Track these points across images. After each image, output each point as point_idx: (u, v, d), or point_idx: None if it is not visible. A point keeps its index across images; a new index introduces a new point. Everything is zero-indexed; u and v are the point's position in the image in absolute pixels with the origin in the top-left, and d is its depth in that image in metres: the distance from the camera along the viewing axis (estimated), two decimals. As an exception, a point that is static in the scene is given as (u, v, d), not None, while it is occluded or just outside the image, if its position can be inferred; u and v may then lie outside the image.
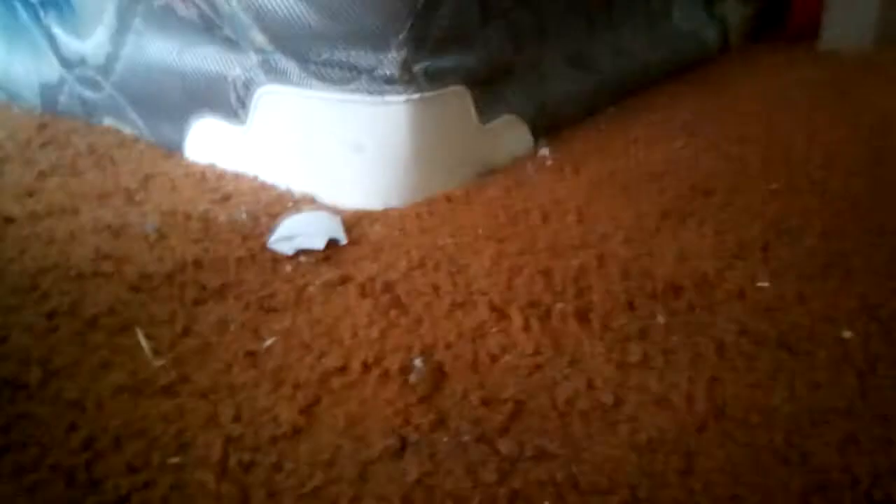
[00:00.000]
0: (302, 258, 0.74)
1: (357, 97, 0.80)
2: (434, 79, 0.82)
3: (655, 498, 0.47)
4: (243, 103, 0.90)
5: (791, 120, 1.09)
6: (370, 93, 0.80)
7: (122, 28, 0.99)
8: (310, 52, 0.81)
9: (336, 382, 0.57)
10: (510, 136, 0.97)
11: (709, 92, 1.24)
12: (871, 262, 0.72)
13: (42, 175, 0.94)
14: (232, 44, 0.88)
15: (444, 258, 0.73)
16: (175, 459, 0.50)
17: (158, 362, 0.59)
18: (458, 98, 0.86)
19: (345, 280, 0.70)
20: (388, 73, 0.79)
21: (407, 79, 0.80)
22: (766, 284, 0.69)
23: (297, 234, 0.75)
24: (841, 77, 1.32)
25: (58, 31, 1.10)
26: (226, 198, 0.86)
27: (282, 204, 0.85)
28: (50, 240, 0.78)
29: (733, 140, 1.02)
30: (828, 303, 0.66)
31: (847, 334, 0.62)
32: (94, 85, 1.09)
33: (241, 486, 0.48)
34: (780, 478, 0.49)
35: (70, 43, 1.09)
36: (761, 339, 0.62)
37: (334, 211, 0.82)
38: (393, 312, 0.65)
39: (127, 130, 1.07)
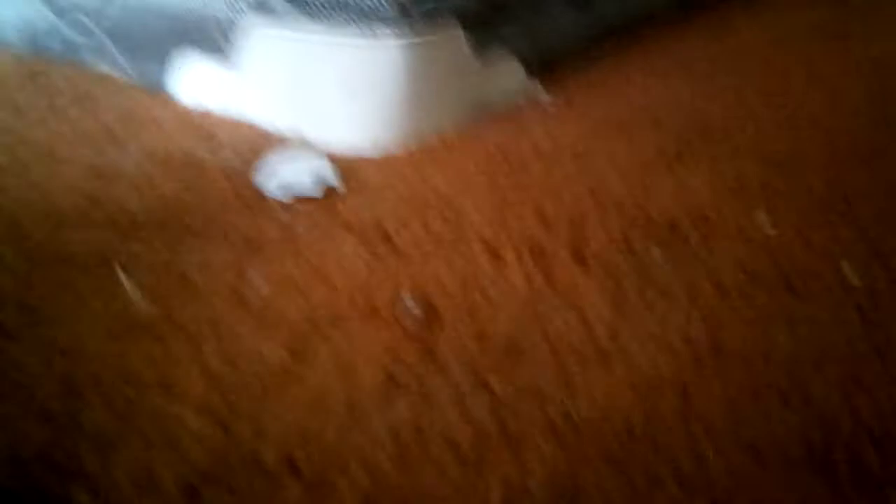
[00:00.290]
0: (291, 199, 0.71)
1: (348, 34, 0.77)
2: (428, 17, 0.79)
3: (651, 434, 0.46)
4: (229, 40, 0.87)
5: (792, 59, 1.07)
6: (362, 29, 0.77)
7: (101, -37, 0.96)
8: (296, -15, 0.78)
9: (325, 322, 0.55)
10: (506, 75, 0.94)
11: (709, 32, 1.21)
12: (872, 198, 0.70)
13: (23, 114, 0.91)
14: (215, -23, 0.85)
15: (437, 198, 0.71)
16: (158, 399, 0.49)
17: (141, 303, 0.58)
18: (453, 36, 0.84)
19: (334, 219, 0.68)
20: (381, 10, 0.76)
21: (400, 15, 0.77)
22: (764, 220, 0.67)
23: (285, 173, 0.73)
24: (844, 18, 1.29)
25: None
26: (211, 137, 0.84)
27: (269, 143, 0.82)
28: (31, 180, 0.75)
29: (732, 79, 0.99)
30: (828, 238, 0.64)
31: (848, 270, 0.61)
32: (78, 25, 1.05)
33: (225, 425, 0.47)
34: (780, 414, 0.47)
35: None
36: (760, 275, 0.60)
37: (324, 150, 0.80)
38: (383, 251, 0.63)
39: (110, 70, 1.04)
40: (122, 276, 0.60)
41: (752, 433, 0.46)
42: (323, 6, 0.77)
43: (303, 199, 0.71)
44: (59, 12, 1.07)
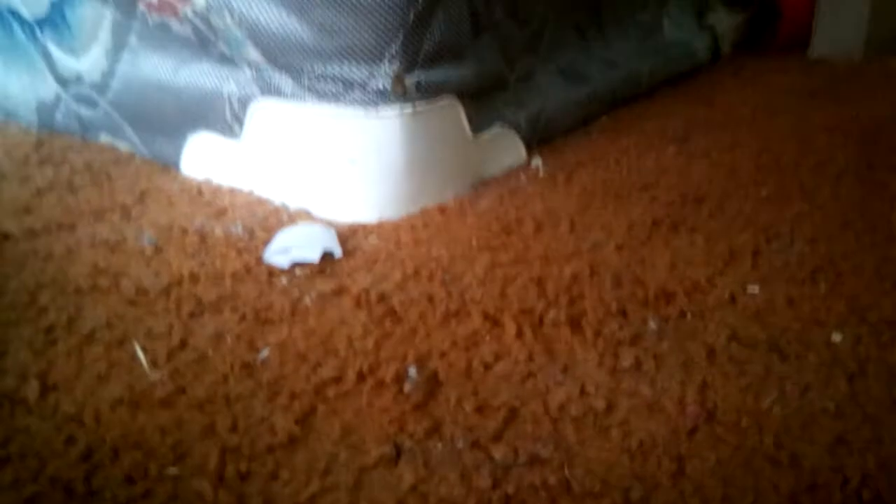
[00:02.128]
0: (297, 271, 0.74)
1: (351, 111, 0.81)
2: (426, 91, 0.83)
3: (647, 500, 0.48)
4: (238, 119, 0.91)
5: (781, 127, 1.11)
6: (364, 106, 0.81)
7: (117, 45, 1.00)
8: (303, 67, 0.82)
9: (331, 392, 0.58)
10: (503, 147, 0.98)
11: (700, 101, 1.25)
12: (861, 266, 0.73)
13: (39, 192, 0.95)
14: (227, 60, 0.89)
15: (438, 268, 0.73)
16: (173, 470, 0.51)
17: (155, 375, 0.60)
18: (451, 110, 0.87)
19: (340, 291, 0.70)
20: (380, 86, 0.80)
21: (399, 92, 0.81)
22: (756, 290, 0.69)
23: (292, 246, 0.76)
24: (831, 85, 1.33)
25: (54, 48, 1.11)
26: (221, 212, 0.87)
27: (277, 218, 0.85)
28: (47, 256, 0.78)
29: (724, 148, 1.03)
30: (818, 307, 0.67)
31: (837, 337, 0.63)
32: (90, 102, 1.10)
33: (239, 494, 0.49)
34: (771, 479, 0.49)
35: (66, 60, 1.09)
36: (752, 343, 0.62)
37: (329, 224, 0.83)
38: (387, 322, 0.66)
39: (123, 147, 1.08)
40: (139, 351, 0.62)
41: (744, 498, 0.48)
42: (329, 86, 0.81)
43: (310, 272, 0.74)
44: (68, 87, 1.11)
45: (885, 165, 0.97)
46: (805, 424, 0.54)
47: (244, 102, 0.89)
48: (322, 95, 0.82)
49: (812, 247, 0.76)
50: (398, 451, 0.52)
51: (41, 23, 1.11)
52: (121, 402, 0.57)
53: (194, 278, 0.73)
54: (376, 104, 0.81)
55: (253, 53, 0.85)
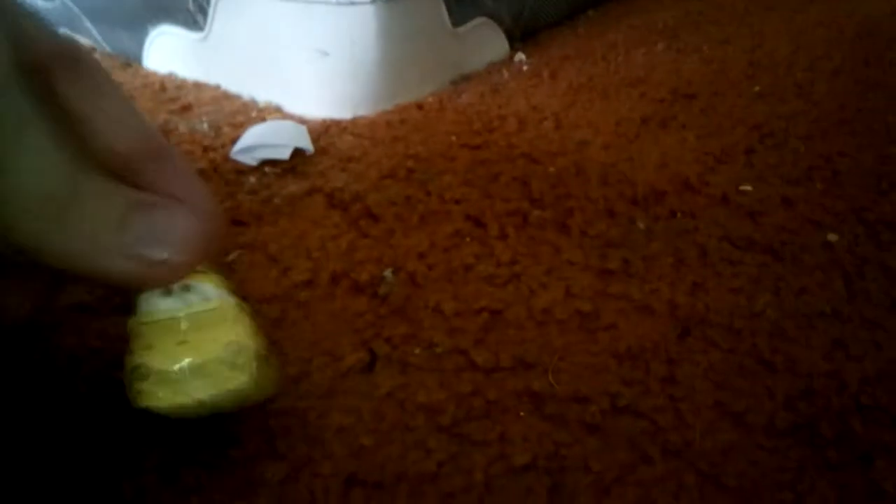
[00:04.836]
0: (267, 169, 0.70)
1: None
2: (403, -22, 0.78)
3: (636, 406, 0.46)
4: (202, 8, 0.85)
5: (775, 22, 1.06)
6: (335, -8, 0.75)
7: (70, -71, 0.93)
8: (270, -50, 0.76)
9: (303, 296, 0.54)
10: (484, 40, 0.93)
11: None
12: (858, 164, 0.70)
13: (-8, 88, 0.89)
14: (187, -57, 0.83)
15: (416, 167, 0.69)
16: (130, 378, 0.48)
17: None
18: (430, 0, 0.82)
19: (312, 191, 0.66)
20: (353, -29, 0.74)
21: (375, -21, 0.75)
22: (749, 189, 0.66)
23: (261, 143, 0.71)
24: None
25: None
26: (186, 108, 0.82)
27: (245, 114, 0.80)
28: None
29: (716, 43, 0.98)
30: (813, 206, 0.64)
31: (833, 238, 0.60)
32: (45, -6, 1.03)
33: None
34: (765, 384, 0.47)
35: (16, -53, 1.02)
36: (745, 244, 0.60)
37: (300, 120, 0.78)
38: (363, 223, 0.62)
39: (83, 41, 1.02)
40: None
41: (737, 403, 0.46)
42: (298, -28, 0.76)
43: (280, 170, 0.70)
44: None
45: (881, 62, 0.93)
46: (800, 327, 0.52)
47: (208, -10, 0.83)
48: (291, -19, 0.77)
49: (807, 145, 0.73)
50: (374, 357, 0.49)
51: None
52: (77, 308, 0.54)
53: (157, 177, 0.68)
54: (349, -9, 0.75)
55: (215, -65, 0.79)
